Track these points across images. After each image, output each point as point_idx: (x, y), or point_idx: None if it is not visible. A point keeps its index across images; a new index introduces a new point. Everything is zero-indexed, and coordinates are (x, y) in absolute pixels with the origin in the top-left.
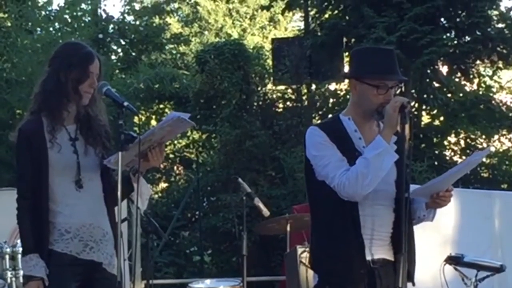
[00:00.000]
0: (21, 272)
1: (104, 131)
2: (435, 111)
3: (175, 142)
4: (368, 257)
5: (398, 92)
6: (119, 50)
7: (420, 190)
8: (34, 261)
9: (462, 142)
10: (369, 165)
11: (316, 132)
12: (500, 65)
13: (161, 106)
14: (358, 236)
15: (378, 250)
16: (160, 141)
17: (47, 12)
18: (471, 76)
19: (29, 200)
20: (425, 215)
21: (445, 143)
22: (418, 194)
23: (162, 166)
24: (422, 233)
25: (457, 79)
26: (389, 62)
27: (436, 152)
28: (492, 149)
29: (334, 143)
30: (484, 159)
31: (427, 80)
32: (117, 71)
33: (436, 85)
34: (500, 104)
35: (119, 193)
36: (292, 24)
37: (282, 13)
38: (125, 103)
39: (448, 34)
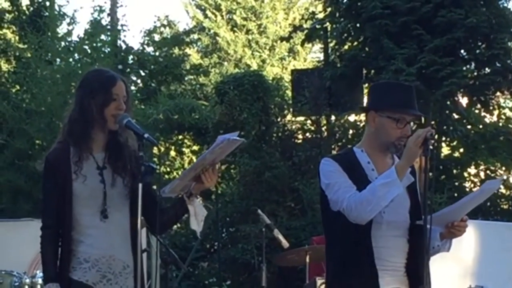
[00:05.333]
0: None
1: (134, 157)
2: (455, 143)
3: None
4: None
5: (414, 127)
6: (139, 81)
7: (434, 218)
8: None
9: (482, 173)
10: (375, 192)
11: (328, 162)
12: None
13: (180, 137)
14: (372, 267)
15: (391, 281)
16: (213, 163)
17: (67, 43)
18: (491, 108)
19: (52, 229)
20: (439, 245)
21: (465, 174)
22: (432, 223)
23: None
24: (443, 265)
25: (477, 111)
26: (409, 97)
27: (456, 183)
28: None
29: (346, 173)
30: (503, 191)
31: (447, 111)
32: (136, 102)
33: (456, 116)
34: None
35: (138, 220)
36: (312, 55)
37: (302, 45)
38: (146, 135)
39: (468, 66)
